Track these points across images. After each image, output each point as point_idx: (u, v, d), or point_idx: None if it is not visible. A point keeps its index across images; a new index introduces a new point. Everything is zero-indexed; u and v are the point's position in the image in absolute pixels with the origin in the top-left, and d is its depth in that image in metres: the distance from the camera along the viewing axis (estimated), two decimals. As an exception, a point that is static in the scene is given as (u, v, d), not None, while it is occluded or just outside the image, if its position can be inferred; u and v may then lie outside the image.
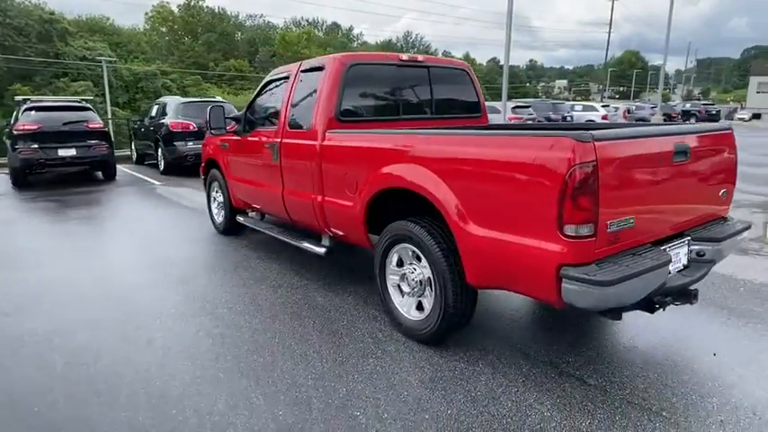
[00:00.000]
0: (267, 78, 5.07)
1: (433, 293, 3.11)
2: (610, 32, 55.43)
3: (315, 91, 4.13)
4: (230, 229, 6.06)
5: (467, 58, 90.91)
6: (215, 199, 6.26)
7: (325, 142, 3.90)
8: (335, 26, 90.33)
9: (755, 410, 2.58)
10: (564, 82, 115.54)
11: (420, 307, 3.33)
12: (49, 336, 3.50)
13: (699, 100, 57.48)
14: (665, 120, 23.80)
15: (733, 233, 3.12)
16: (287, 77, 4.65)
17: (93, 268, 4.95)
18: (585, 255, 2.38)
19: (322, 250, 4.26)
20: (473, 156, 2.73)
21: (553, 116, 19.65)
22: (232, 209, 5.86)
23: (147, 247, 5.72)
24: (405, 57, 4.41)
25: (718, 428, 2.45)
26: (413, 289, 3.30)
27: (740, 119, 40.89)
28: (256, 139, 4.95)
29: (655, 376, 2.91)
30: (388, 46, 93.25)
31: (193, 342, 3.39)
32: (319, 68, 4.18)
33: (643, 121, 25.11)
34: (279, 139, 4.49)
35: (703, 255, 2.99)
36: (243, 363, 3.10)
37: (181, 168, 11.80)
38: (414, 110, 4.47)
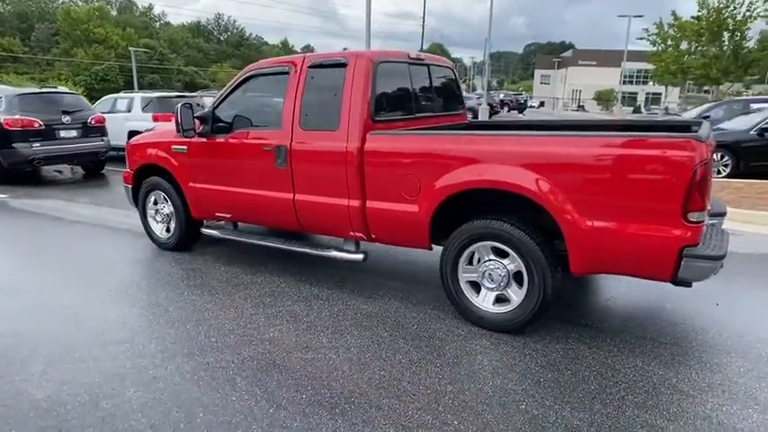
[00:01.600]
0: (248, 73, 4.59)
1: (527, 285, 3.31)
2: (423, 25, 59.73)
3: (338, 89, 3.94)
4: (184, 243, 5.36)
5: (285, 45, 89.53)
6: (158, 211, 5.44)
7: (370, 144, 3.77)
8: (130, 3, 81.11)
9: (781, 341, 3.37)
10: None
11: (499, 300, 3.51)
12: (86, 400, 2.81)
13: (496, 90, 66.29)
14: (490, 109, 26.92)
15: (724, 207, 3.94)
16: (284, 73, 4.30)
17: (42, 310, 3.98)
18: (698, 236, 2.84)
19: (360, 257, 4.12)
20: (590, 156, 2.99)
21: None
22: (189, 220, 5.19)
23: (85, 276, 4.73)
24: (413, 54, 4.44)
25: (775, 359, 3.16)
26: (498, 284, 3.45)
27: (531, 106, 48.25)
28: (242, 141, 4.48)
29: (700, 327, 3.57)
30: (197, 29, 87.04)
31: (282, 374, 3.05)
32: (340, 65, 3.99)
33: (472, 110, 28.00)
34: (288, 142, 4.15)
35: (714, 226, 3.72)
36: (362, 382, 2.93)
37: (19, 176, 9.81)
38: (424, 107, 4.54)
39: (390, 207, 3.75)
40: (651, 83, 54.41)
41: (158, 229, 5.50)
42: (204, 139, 4.73)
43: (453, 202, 3.51)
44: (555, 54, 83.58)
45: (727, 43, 18.65)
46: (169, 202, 5.28)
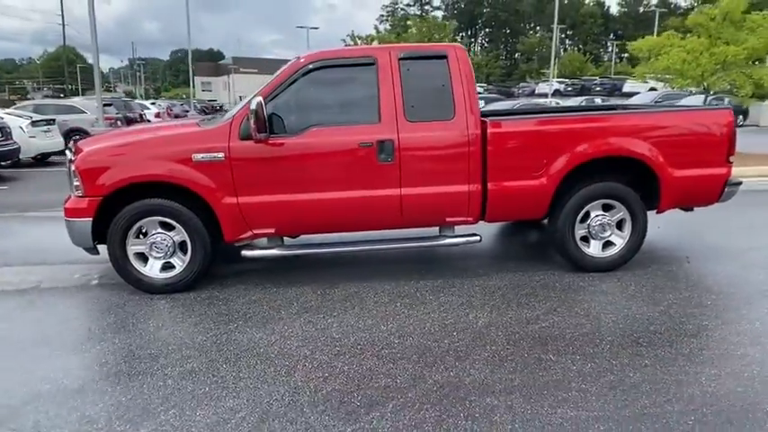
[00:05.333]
0: (309, 65, 4.00)
1: (630, 230, 4.36)
2: (64, 24, 51.14)
3: (445, 80, 4.07)
4: (198, 277, 4.20)
5: None
6: (154, 245, 4.04)
7: (494, 130, 4.07)
8: None
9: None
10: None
11: (604, 246, 4.44)
12: None
13: (141, 98, 61.15)
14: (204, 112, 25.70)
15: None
16: (366, 64, 4.04)
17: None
18: (731, 173, 4.45)
19: (477, 238, 4.32)
20: (675, 126, 4.24)
21: (130, 114, 18.01)
22: (213, 247, 4.14)
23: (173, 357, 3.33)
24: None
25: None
26: (608, 233, 4.37)
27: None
28: (325, 139, 3.99)
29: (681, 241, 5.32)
30: None
31: (557, 342, 3.26)
32: (439, 57, 4.11)
33: (177, 117, 26.28)
34: (394, 135, 3.98)
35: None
36: (609, 325, 3.45)
37: None
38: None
39: (517, 185, 4.17)
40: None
41: (151, 268, 4.10)
42: (251, 142, 3.92)
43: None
44: (206, 60, 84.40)
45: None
46: (177, 229, 4.05)
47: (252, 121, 3.71)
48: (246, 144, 3.92)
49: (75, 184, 3.97)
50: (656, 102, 17.94)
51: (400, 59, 4.08)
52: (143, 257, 4.13)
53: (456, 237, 4.36)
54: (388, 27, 23.61)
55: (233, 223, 4.06)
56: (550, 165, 4.16)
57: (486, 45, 74.11)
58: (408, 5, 73.36)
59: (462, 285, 4.21)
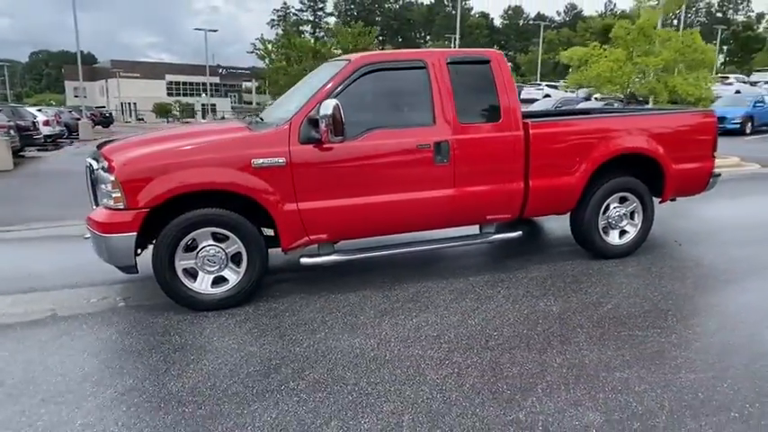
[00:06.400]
0: (363, 67, 3.98)
1: (641, 219, 4.89)
2: None
3: (490, 84, 4.29)
4: (254, 289, 3.98)
5: None
6: (206, 259, 3.76)
7: (536, 131, 4.36)
8: None
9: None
10: None
11: (620, 234, 4.93)
12: None
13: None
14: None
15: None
16: (417, 68, 4.13)
17: None
18: (714, 165, 5.16)
19: (519, 233, 4.56)
20: (674, 125, 4.84)
21: (21, 122, 15.85)
22: (267, 256, 3.96)
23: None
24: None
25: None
26: (625, 223, 4.86)
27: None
28: (384, 142, 4.00)
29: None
30: None
31: (622, 325, 3.62)
32: (483, 62, 4.32)
33: (67, 126, 23.76)
34: (448, 137, 4.12)
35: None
36: (652, 299, 3.89)
37: None
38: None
39: (555, 182, 4.50)
40: (203, 95, 58.31)
41: (201, 283, 3.81)
42: (311, 146, 3.84)
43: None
44: (81, 64, 76.89)
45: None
46: (230, 240, 3.81)
47: (324, 125, 3.64)
48: (307, 148, 3.82)
49: (115, 195, 3.58)
50: (556, 107, 19.74)
51: (448, 64, 4.22)
52: (190, 273, 3.83)
53: (500, 233, 4.59)
54: (280, 32, 23.59)
55: (292, 230, 3.91)
56: (582, 162, 4.55)
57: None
58: (300, 11, 73.06)
59: (510, 279, 4.44)
